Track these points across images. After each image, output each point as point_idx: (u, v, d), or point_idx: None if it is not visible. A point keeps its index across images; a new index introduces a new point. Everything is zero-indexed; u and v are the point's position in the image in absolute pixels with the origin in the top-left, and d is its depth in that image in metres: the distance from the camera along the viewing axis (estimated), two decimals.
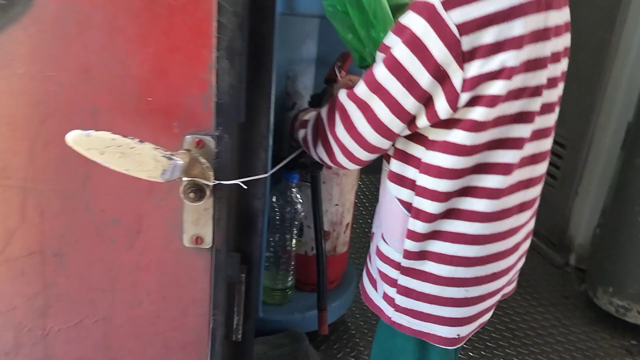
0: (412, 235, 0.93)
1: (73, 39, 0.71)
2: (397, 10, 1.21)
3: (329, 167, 1.15)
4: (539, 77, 0.87)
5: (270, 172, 0.85)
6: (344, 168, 1.00)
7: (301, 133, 1.06)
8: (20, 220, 0.79)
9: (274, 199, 1.50)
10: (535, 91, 0.87)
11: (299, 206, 1.51)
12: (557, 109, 0.97)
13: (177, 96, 0.73)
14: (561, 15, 0.90)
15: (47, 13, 0.70)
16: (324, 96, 1.43)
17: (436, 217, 0.91)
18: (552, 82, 0.92)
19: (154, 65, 0.72)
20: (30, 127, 0.75)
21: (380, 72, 0.84)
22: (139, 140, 0.67)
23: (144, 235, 0.79)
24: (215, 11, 0.69)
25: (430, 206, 0.90)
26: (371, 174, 2.64)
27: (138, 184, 0.71)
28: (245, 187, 0.75)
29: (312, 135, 1.01)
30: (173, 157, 0.67)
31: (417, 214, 0.92)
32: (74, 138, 0.66)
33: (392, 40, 0.84)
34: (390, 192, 0.96)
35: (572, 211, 2.18)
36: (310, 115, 1.07)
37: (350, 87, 0.97)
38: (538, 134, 0.93)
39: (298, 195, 1.52)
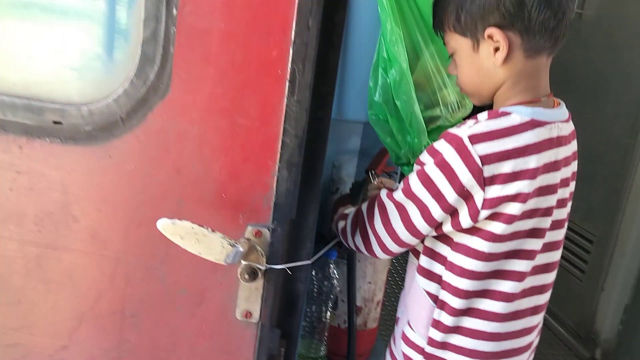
0: (437, 326, 1.05)
1: (172, 146, 0.91)
2: (430, 121, 1.39)
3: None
4: (550, 200, 1.00)
5: (313, 259, 1.00)
6: (376, 257, 1.14)
7: (341, 224, 1.21)
8: (109, 284, 0.97)
9: (313, 273, 1.64)
10: (547, 212, 1.00)
11: (335, 281, 1.64)
12: (566, 225, 1.10)
13: (244, 195, 0.91)
14: (569, 148, 1.03)
15: (155, 126, 0.91)
16: (363, 184, 1.60)
17: (458, 312, 1.03)
18: (561, 203, 1.04)
19: (230, 170, 0.91)
20: (128, 210, 0.95)
21: (415, 183, 0.99)
22: (211, 230, 0.84)
23: (205, 306, 0.95)
24: (281, 133, 0.87)
25: (454, 301, 1.03)
26: (401, 257, 2.78)
27: (205, 262, 0.87)
28: (290, 272, 0.90)
29: (351, 226, 1.16)
30: (236, 244, 0.84)
31: (442, 306, 1.04)
32: (163, 224, 0.84)
33: (426, 159, 0.99)
34: (419, 284, 1.09)
35: (598, 306, 2.22)
36: (350, 210, 1.23)
37: (385, 188, 1.15)
38: (548, 247, 1.05)
39: (335, 271, 1.65)
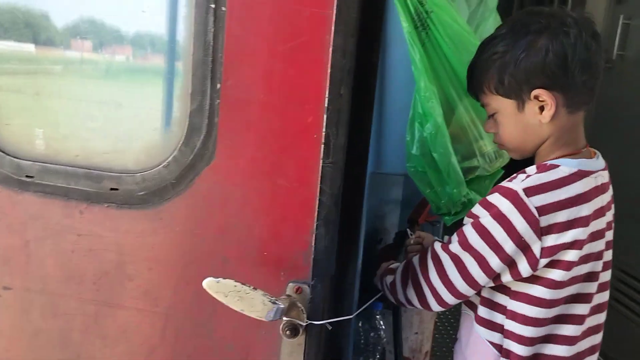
0: None
1: (217, 208, 0.96)
2: (468, 171, 1.40)
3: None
4: (600, 244, 1.04)
5: (355, 313, 1.01)
6: (430, 310, 1.13)
7: (389, 279, 1.21)
8: (161, 339, 1.01)
9: (360, 324, 1.64)
10: (599, 255, 1.04)
11: (382, 332, 1.63)
12: (611, 267, 1.12)
13: (285, 252, 0.95)
14: (609, 194, 1.08)
15: (202, 189, 0.96)
16: (405, 233, 1.61)
17: (525, 359, 1.02)
18: (608, 245, 1.08)
19: (271, 229, 0.95)
20: (177, 268, 1.00)
21: (472, 235, 1.00)
22: (253, 288, 0.87)
23: None
24: (317, 192, 0.91)
25: (519, 349, 1.02)
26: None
27: (250, 319, 0.90)
28: (330, 327, 0.92)
29: (401, 280, 1.15)
30: (277, 302, 0.86)
31: (508, 355, 1.04)
32: (208, 283, 0.88)
33: (480, 212, 1.00)
34: (481, 335, 1.08)
35: None
36: (395, 265, 1.23)
37: (423, 241, 1.16)
38: (601, 288, 1.08)
39: (382, 322, 1.64)
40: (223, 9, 0.90)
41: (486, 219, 0.98)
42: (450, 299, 1.05)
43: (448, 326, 2.70)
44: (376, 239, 1.73)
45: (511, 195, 0.95)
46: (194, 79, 0.93)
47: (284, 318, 0.91)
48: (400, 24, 1.32)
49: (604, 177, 1.04)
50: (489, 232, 0.97)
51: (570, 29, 0.95)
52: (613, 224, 1.11)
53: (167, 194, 0.97)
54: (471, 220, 1.02)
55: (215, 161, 0.94)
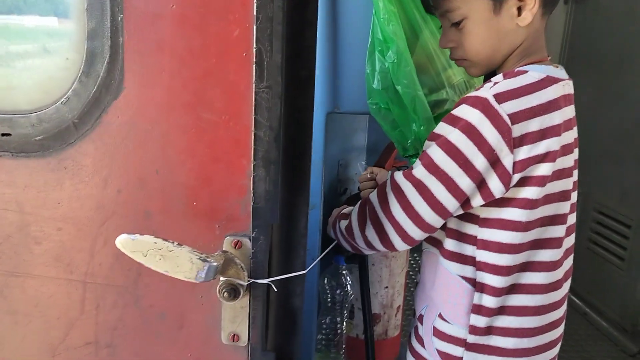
0: (480, 310, 0.96)
1: (132, 152, 0.78)
2: (436, 105, 1.24)
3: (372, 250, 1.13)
4: (570, 160, 0.96)
5: (307, 269, 0.86)
6: (393, 250, 1.00)
7: (343, 224, 1.07)
8: (80, 312, 0.85)
9: (325, 281, 1.50)
10: (569, 172, 0.96)
11: (349, 288, 1.50)
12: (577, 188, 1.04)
13: (219, 201, 0.78)
14: (572, 110, 0.99)
15: (111, 129, 0.78)
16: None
17: (502, 291, 0.94)
18: (575, 164, 1.00)
19: (200, 174, 0.78)
20: (92, 227, 0.82)
21: (438, 155, 0.89)
22: (178, 244, 0.71)
23: (186, 331, 0.82)
24: (252, 126, 0.74)
25: (495, 280, 0.94)
26: (419, 256, 2.60)
27: (183, 282, 0.74)
28: (275, 289, 0.77)
29: (358, 221, 1.01)
30: (207, 259, 0.70)
31: (482, 288, 0.95)
32: (122, 241, 0.71)
33: (446, 129, 0.90)
34: (451, 271, 0.98)
35: None
36: (350, 209, 1.08)
37: (378, 178, 1.15)
38: (572, 208, 1.01)
39: (348, 278, 1.51)
40: None
41: (453, 134, 0.88)
42: (417, 233, 0.93)
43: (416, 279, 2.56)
44: (340, 189, 1.58)
45: (481, 104, 0.87)
46: None
47: (221, 278, 0.75)
48: None
49: (570, 87, 0.97)
50: (457, 148, 0.87)
51: None
52: (576, 149, 1.02)
53: (69, 136, 0.79)
54: (434, 141, 0.91)
55: (124, 92, 0.76)
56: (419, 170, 0.91)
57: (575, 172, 1.00)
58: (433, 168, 0.89)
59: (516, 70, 0.91)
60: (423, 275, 1.08)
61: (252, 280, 0.76)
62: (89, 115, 0.78)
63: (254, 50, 0.71)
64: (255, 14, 0.70)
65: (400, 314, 1.62)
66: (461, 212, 0.93)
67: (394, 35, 1.12)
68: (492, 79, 0.92)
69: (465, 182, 0.88)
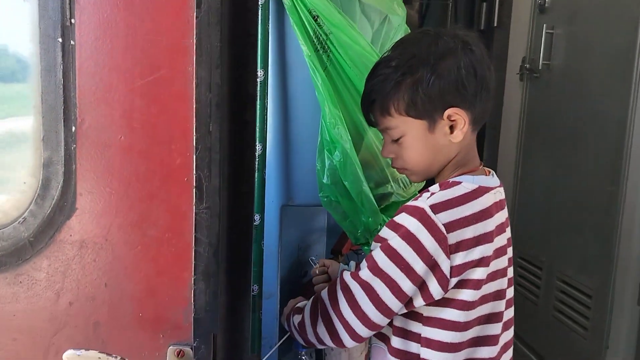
0: None
1: (83, 267, 0.85)
2: (382, 198, 1.33)
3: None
4: (504, 261, 1.02)
5: None
6: (343, 346, 1.04)
7: (296, 318, 1.12)
8: None
9: (302, 351, 1.53)
10: (504, 272, 1.02)
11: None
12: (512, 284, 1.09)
13: (163, 311, 0.84)
14: (506, 211, 1.05)
15: (64, 247, 0.85)
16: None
17: None
18: (510, 262, 1.06)
19: (145, 286, 0.84)
20: (45, 338, 0.87)
21: (381, 259, 0.95)
22: (121, 358, 0.76)
23: None
24: (193, 242, 0.81)
25: None
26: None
27: None
28: None
29: (310, 318, 1.06)
30: None
31: None
32: (68, 356, 0.76)
33: (388, 234, 0.96)
34: None
35: None
36: (304, 303, 1.14)
37: (330, 271, 1.18)
38: (509, 304, 1.05)
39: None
40: (72, 42, 0.80)
41: (394, 240, 0.94)
42: (364, 332, 0.98)
43: None
44: (300, 272, 1.64)
45: (418, 213, 0.93)
46: (45, 122, 0.82)
47: None
48: (300, 47, 1.25)
49: (501, 193, 1.03)
50: (398, 254, 0.93)
51: (473, 47, 0.96)
52: (511, 241, 1.09)
53: (25, 253, 0.85)
54: (379, 244, 0.97)
55: (76, 213, 0.83)
56: (364, 273, 0.97)
57: (510, 270, 1.06)
58: (377, 271, 0.95)
59: (451, 181, 0.97)
60: None
61: None
62: (43, 234, 0.84)
63: (194, 176, 0.79)
64: (194, 144, 0.79)
65: None
66: (405, 311, 0.98)
67: (339, 138, 1.22)
68: (429, 189, 0.98)
69: (406, 285, 0.93)
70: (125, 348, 0.77)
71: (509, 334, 1.08)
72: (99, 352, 0.75)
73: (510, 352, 1.09)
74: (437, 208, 0.92)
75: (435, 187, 0.98)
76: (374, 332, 1.00)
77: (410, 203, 0.96)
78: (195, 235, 0.80)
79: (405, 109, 0.98)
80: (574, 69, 2.39)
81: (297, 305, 1.16)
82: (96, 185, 0.82)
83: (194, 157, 0.79)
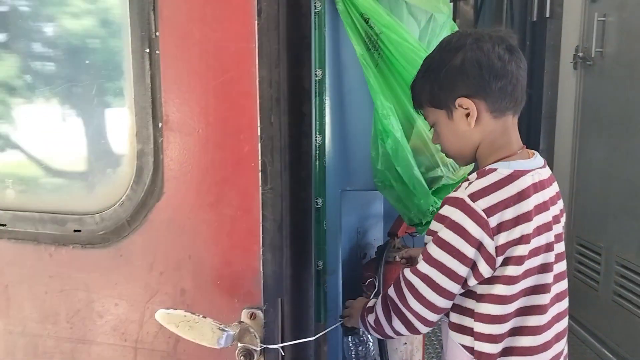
0: None
1: (170, 242, 0.95)
2: (433, 181, 1.36)
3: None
4: (548, 237, 1.04)
5: (315, 337, 0.97)
6: (419, 333, 1.12)
7: (370, 318, 1.17)
8: None
9: (349, 338, 1.59)
10: (549, 247, 1.05)
11: (370, 344, 1.57)
12: (564, 258, 1.11)
13: (237, 280, 0.92)
14: (552, 189, 1.08)
15: (155, 225, 0.95)
16: (386, 247, 1.56)
17: (495, 356, 1.02)
18: (558, 238, 1.08)
19: (222, 257, 0.93)
20: (141, 303, 0.98)
21: (434, 250, 1.01)
22: (202, 316, 0.85)
23: None
24: (261, 219, 0.88)
25: (489, 347, 1.02)
26: None
27: (211, 348, 0.87)
28: (282, 353, 0.88)
29: (384, 315, 1.12)
30: (225, 328, 0.84)
31: (480, 356, 1.03)
32: (160, 315, 0.86)
33: (437, 226, 1.02)
34: (454, 339, 1.07)
35: None
36: (373, 302, 1.18)
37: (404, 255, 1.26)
38: (557, 278, 1.08)
39: (369, 335, 1.59)
40: (157, 52, 0.90)
41: (443, 232, 1.00)
42: (434, 317, 1.04)
43: (439, 333, 2.57)
44: (360, 254, 1.69)
45: (459, 203, 0.98)
46: (138, 119, 0.92)
47: (239, 344, 0.88)
48: (353, 48, 1.31)
49: (541, 174, 1.05)
50: (448, 243, 0.99)
51: (484, 44, 1.02)
52: (562, 218, 1.11)
53: (124, 231, 0.96)
54: (431, 237, 1.03)
55: (164, 196, 0.93)
56: (422, 266, 1.03)
57: (558, 245, 1.08)
58: (433, 262, 1.01)
59: (487, 168, 1.02)
60: (442, 340, 1.18)
61: (264, 346, 0.88)
62: (138, 214, 0.95)
63: (260, 161, 0.87)
64: (259, 134, 0.86)
65: None
66: (462, 291, 1.04)
67: (390, 127, 1.26)
68: (468, 177, 1.03)
69: (461, 269, 0.99)
70: (206, 311, 0.86)
71: (562, 305, 1.10)
72: (185, 311, 0.84)
73: (564, 323, 1.11)
74: (475, 196, 0.97)
75: (473, 176, 1.03)
76: (441, 315, 1.06)
77: (451, 195, 1.02)
78: (262, 213, 0.88)
79: (429, 100, 1.08)
80: (626, 55, 2.29)
81: (367, 305, 1.20)
82: (180, 172, 0.92)
83: (259, 145, 0.86)
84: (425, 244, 1.05)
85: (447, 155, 1.16)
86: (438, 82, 1.05)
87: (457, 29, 1.51)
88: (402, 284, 1.06)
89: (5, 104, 1.04)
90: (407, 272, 1.06)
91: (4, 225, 1.03)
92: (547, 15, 2.88)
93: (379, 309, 1.13)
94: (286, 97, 0.89)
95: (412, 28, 1.36)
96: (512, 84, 1.02)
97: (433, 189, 1.34)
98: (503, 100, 1.03)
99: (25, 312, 1.05)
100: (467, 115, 1.03)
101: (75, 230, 0.99)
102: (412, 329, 1.07)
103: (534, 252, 1.01)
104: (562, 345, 1.11)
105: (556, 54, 2.82)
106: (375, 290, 1.47)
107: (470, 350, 1.04)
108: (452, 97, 1.03)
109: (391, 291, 1.09)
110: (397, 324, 1.08)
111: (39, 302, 1.03)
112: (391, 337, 1.17)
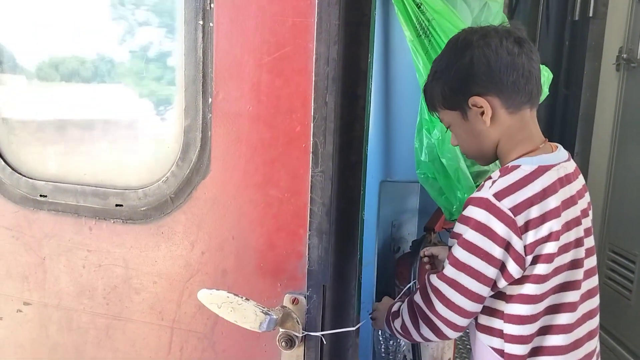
0: None
1: (214, 221, 0.92)
2: (478, 176, 1.31)
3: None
4: (578, 231, 1.01)
5: (356, 326, 0.93)
6: (448, 339, 1.07)
7: (397, 323, 1.13)
8: (167, 352, 0.97)
9: (380, 332, 1.55)
10: (578, 242, 1.01)
11: (401, 340, 1.53)
12: (594, 253, 1.07)
13: (281, 263, 0.89)
14: (579, 182, 1.04)
15: (199, 203, 0.92)
16: (422, 242, 1.52)
17: (524, 357, 0.98)
18: (587, 232, 1.03)
19: (266, 240, 0.90)
20: (180, 282, 0.95)
21: (461, 254, 0.96)
22: (246, 298, 0.81)
23: None
24: (309, 202, 0.85)
25: (519, 349, 0.98)
26: None
27: (250, 331, 0.84)
28: (324, 341, 0.85)
29: (411, 322, 1.07)
30: (269, 312, 0.80)
31: (510, 358, 0.99)
32: (202, 294, 0.83)
33: (461, 229, 0.97)
34: (482, 341, 1.03)
35: None
36: (398, 306, 1.14)
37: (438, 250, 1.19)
38: (588, 274, 1.04)
39: None
40: (211, 24, 0.86)
41: (469, 233, 0.96)
42: (463, 322, 1.00)
43: (469, 330, 2.51)
44: (393, 248, 1.65)
45: (484, 203, 0.94)
46: (187, 94, 0.89)
47: (280, 329, 0.85)
48: (403, 32, 1.26)
49: (566, 168, 1.01)
50: (475, 245, 0.95)
51: (491, 39, 0.98)
52: (590, 211, 1.07)
53: (167, 208, 0.94)
54: (456, 240, 0.99)
55: (210, 174, 0.90)
56: (449, 270, 0.99)
57: (588, 240, 1.03)
58: (460, 266, 0.96)
59: (510, 165, 0.98)
60: (470, 341, 1.13)
61: (306, 332, 0.85)
62: (182, 191, 0.92)
63: (311, 142, 0.83)
64: (312, 114, 0.83)
65: None
66: (492, 293, 0.99)
67: (437, 117, 1.21)
68: (491, 176, 0.99)
69: (489, 271, 0.95)
70: (247, 294, 0.83)
71: (593, 302, 1.06)
72: (228, 292, 0.81)
73: (595, 321, 1.07)
74: (500, 195, 0.93)
75: (495, 174, 0.99)
76: (471, 319, 1.02)
77: (474, 195, 0.98)
78: (310, 196, 0.84)
79: (442, 103, 1.05)
80: None
81: (393, 310, 1.16)
82: (228, 150, 0.89)
83: (312, 125, 0.83)
84: (450, 247, 1.00)
85: (467, 157, 1.13)
86: (449, 83, 1.02)
87: (507, 21, 1.45)
88: (429, 290, 1.01)
89: (51, 76, 1.02)
90: (434, 278, 1.01)
91: (45, 196, 1.02)
92: (590, 14, 2.78)
93: (405, 316, 1.09)
94: (342, 76, 0.85)
95: (465, 15, 1.31)
96: (524, 77, 0.98)
97: (478, 183, 1.29)
98: (517, 95, 0.99)
99: (61, 285, 1.03)
100: (482, 113, 0.99)
101: (117, 205, 0.97)
102: (441, 335, 1.03)
103: (564, 249, 0.97)
104: (594, 344, 1.07)
105: (597, 55, 2.72)
106: (410, 285, 1.43)
107: (501, 352, 1.01)
108: (465, 97, 1.00)
109: (417, 298, 1.05)
110: (425, 330, 1.04)
111: (76, 275, 1.02)
112: (419, 342, 1.12)
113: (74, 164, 1.04)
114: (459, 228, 0.98)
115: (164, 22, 0.93)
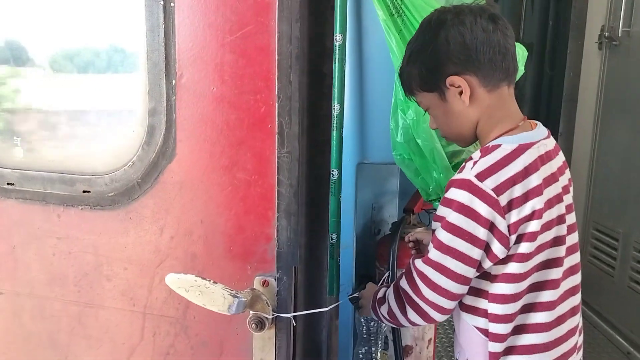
0: (493, 357, 1.00)
1: (182, 205, 0.91)
2: (453, 155, 1.30)
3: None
4: (560, 209, 1.00)
5: (329, 307, 0.93)
6: (436, 322, 1.07)
7: (383, 309, 1.12)
8: (140, 338, 0.96)
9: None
10: (560, 219, 1.01)
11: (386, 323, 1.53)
12: (576, 229, 1.07)
13: (250, 246, 0.88)
14: (559, 159, 1.04)
15: (166, 187, 0.91)
16: (401, 223, 1.51)
17: (507, 335, 0.99)
18: (569, 209, 1.03)
19: (235, 223, 0.88)
20: (150, 267, 0.94)
21: (445, 236, 0.96)
22: (213, 282, 0.81)
23: (224, 358, 0.91)
24: (276, 184, 0.84)
25: (503, 328, 0.98)
26: None
27: (222, 315, 0.83)
28: (294, 323, 0.85)
29: (398, 307, 1.07)
30: (237, 295, 0.80)
31: (495, 338, 1.00)
32: (169, 279, 0.82)
33: (444, 211, 0.96)
34: (467, 321, 1.04)
35: None
36: (383, 292, 1.13)
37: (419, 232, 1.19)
38: (570, 250, 1.03)
39: None
40: (172, 4, 0.84)
41: (452, 216, 0.95)
42: (450, 304, 1.00)
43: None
44: (374, 230, 1.65)
45: (466, 185, 0.94)
46: (150, 76, 0.87)
47: (250, 311, 0.84)
48: (375, 12, 1.24)
49: (546, 145, 1.01)
50: (459, 227, 0.94)
51: (465, 17, 0.97)
52: (571, 188, 1.07)
53: (134, 193, 0.92)
54: (439, 223, 0.98)
55: (176, 157, 0.89)
56: (434, 253, 0.98)
57: (569, 216, 1.03)
58: (445, 249, 0.96)
59: (491, 145, 0.97)
60: (454, 321, 1.13)
61: (276, 314, 0.84)
62: (149, 176, 0.91)
63: (277, 122, 0.82)
64: (277, 93, 0.81)
65: (432, 347, 1.64)
66: (477, 274, 0.99)
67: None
68: (472, 156, 0.98)
69: (475, 252, 0.95)
70: (218, 277, 0.82)
71: (575, 279, 1.06)
72: (196, 276, 0.80)
73: (578, 297, 1.07)
74: (482, 175, 0.93)
75: (476, 154, 0.97)
76: (457, 301, 1.01)
77: (456, 177, 0.97)
78: (277, 177, 0.83)
79: (419, 85, 1.03)
80: None
81: (378, 296, 1.15)
82: (193, 132, 0.87)
83: (276, 105, 0.81)
84: (433, 230, 0.99)
85: (447, 139, 1.11)
86: (425, 64, 1.00)
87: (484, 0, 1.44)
88: (415, 275, 1.01)
89: (14, 63, 1.00)
90: (419, 263, 1.00)
91: (12, 184, 1.00)
92: None
93: (392, 302, 1.08)
94: (306, 55, 0.84)
95: None
96: (501, 54, 0.98)
97: (454, 163, 1.28)
98: (494, 72, 0.98)
99: (32, 273, 1.02)
100: (460, 93, 0.99)
101: (84, 191, 0.95)
102: (428, 319, 1.02)
103: (546, 226, 0.97)
104: (577, 320, 1.07)
105: (580, 34, 2.71)
106: (389, 267, 1.43)
107: (485, 332, 1.01)
108: (442, 77, 0.99)
109: (403, 283, 1.05)
110: (413, 315, 1.04)
111: (47, 264, 1.00)
112: (407, 326, 1.12)
113: (40, 151, 1.02)
114: (442, 211, 0.96)
115: (124, 2, 0.90)
